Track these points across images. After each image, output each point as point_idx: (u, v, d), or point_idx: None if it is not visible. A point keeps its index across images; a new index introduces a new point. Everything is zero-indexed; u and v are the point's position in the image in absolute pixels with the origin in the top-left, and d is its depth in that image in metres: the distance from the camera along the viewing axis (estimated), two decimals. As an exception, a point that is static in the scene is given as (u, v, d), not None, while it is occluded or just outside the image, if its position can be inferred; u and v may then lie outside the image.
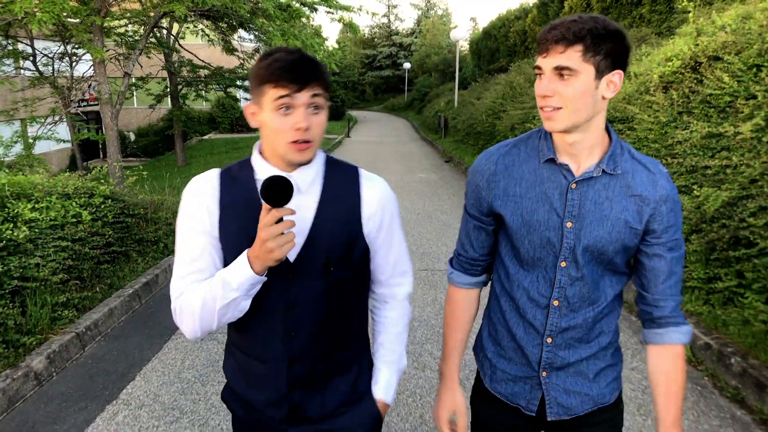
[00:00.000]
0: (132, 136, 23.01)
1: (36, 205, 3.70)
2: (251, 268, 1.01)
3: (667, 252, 1.13)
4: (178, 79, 14.52)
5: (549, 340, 1.17)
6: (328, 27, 31.06)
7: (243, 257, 1.03)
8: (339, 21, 11.45)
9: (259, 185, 1.09)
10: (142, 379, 3.02)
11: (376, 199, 1.16)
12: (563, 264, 1.13)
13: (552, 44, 1.01)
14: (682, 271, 1.17)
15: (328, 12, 11.32)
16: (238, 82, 15.05)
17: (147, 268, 4.54)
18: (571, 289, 1.14)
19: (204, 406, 2.75)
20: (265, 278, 1.05)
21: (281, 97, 1.00)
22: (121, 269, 4.33)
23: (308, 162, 1.09)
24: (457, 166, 11.56)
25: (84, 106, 12.82)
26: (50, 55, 11.16)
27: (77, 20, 7.99)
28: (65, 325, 3.36)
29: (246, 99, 19.94)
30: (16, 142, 9.76)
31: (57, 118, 10.41)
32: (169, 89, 14.77)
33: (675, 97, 4.63)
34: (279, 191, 0.96)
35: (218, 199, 1.10)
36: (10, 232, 3.25)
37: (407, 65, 36.94)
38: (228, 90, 16.32)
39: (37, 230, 3.48)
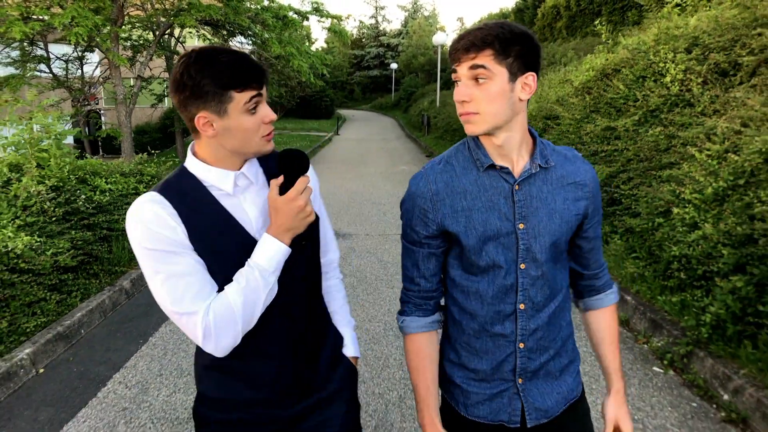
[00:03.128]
0: (130, 134, 24.09)
1: (107, 180, 5.02)
2: (282, 243, 1.07)
3: (598, 227, 1.21)
4: (180, 80, 15.62)
5: (521, 345, 1.17)
6: (317, 29, 32.45)
7: (267, 239, 1.07)
8: (330, 29, 12.78)
9: (210, 189, 1.11)
10: (197, 296, 4.36)
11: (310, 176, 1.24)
12: (522, 266, 1.14)
13: (462, 53, 1.03)
14: None
15: (319, 21, 12.65)
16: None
17: (183, 232, 5.86)
18: (533, 289, 1.15)
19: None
20: (291, 249, 1.11)
21: (254, 97, 1.03)
22: (165, 231, 5.65)
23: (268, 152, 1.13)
24: (435, 159, 12.98)
25: (87, 105, 13.89)
26: (64, 59, 12.36)
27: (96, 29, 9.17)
28: (137, 264, 4.69)
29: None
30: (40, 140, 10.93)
31: (78, 116, 11.62)
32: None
33: (588, 99, 6.05)
34: (302, 161, 1.09)
35: (176, 213, 1.06)
36: (98, 197, 4.56)
37: (394, 65, 37.80)
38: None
39: (113, 197, 4.80)
